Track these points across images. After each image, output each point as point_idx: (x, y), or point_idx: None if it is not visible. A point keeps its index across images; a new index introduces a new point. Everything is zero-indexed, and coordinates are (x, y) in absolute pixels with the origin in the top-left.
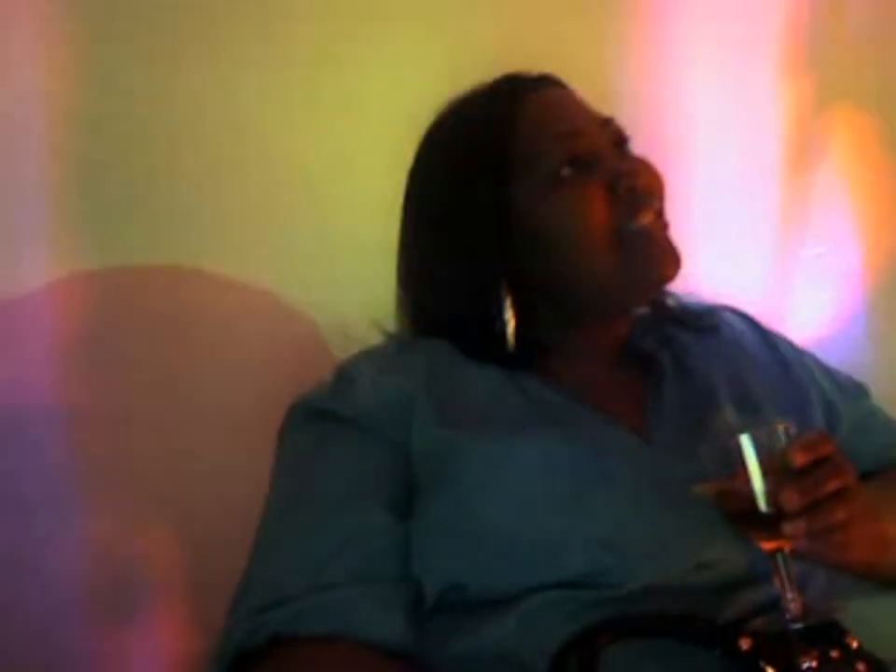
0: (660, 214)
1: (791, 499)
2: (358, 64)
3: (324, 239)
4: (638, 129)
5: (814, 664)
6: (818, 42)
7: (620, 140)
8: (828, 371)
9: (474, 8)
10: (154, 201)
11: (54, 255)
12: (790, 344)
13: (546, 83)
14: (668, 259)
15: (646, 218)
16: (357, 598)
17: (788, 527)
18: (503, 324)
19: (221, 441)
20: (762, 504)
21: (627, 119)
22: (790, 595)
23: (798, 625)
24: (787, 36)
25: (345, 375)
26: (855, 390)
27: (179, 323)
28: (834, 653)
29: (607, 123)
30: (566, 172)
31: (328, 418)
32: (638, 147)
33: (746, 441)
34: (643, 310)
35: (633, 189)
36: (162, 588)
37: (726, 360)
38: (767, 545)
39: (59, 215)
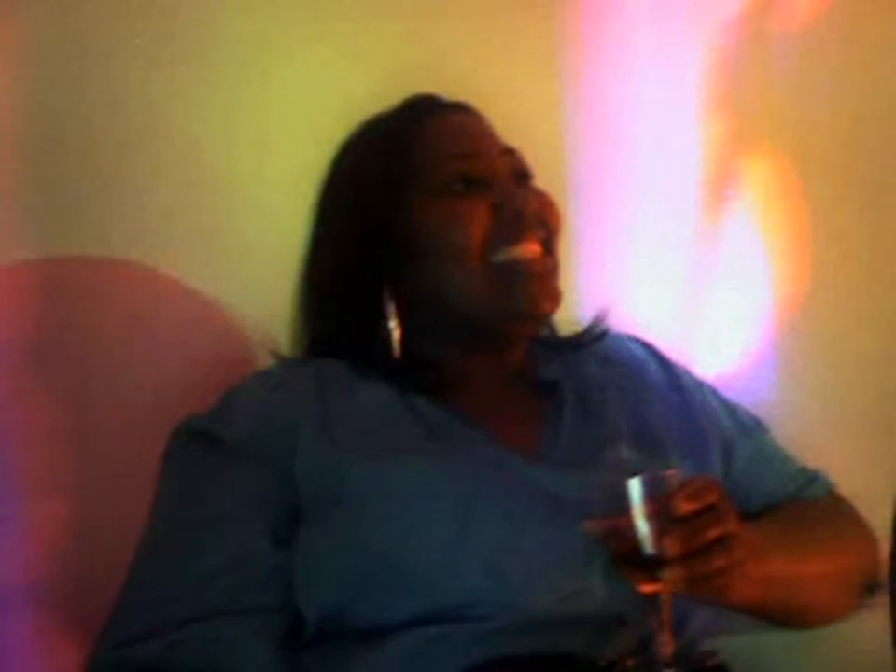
0: (547, 245)
1: (673, 546)
2: (283, 75)
3: (237, 242)
4: (551, 160)
5: None
6: (739, 85)
7: (521, 172)
8: (727, 405)
9: (394, 36)
10: (73, 195)
11: None
12: (691, 377)
13: (456, 108)
14: (541, 296)
15: (528, 249)
16: (227, 632)
17: (668, 573)
18: (388, 334)
19: (135, 441)
20: (645, 547)
21: (541, 150)
22: (663, 639)
23: (670, 670)
24: (710, 78)
25: (230, 397)
26: (753, 425)
27: (93, 318)
28: None
29: (510, 153)
30: (457, 187)
31: (208, 441)
32: (547, 179)
33: (634, 486)
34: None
35: (519, 215)
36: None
37: (627, 391)
38: (647, 588)
39: None
